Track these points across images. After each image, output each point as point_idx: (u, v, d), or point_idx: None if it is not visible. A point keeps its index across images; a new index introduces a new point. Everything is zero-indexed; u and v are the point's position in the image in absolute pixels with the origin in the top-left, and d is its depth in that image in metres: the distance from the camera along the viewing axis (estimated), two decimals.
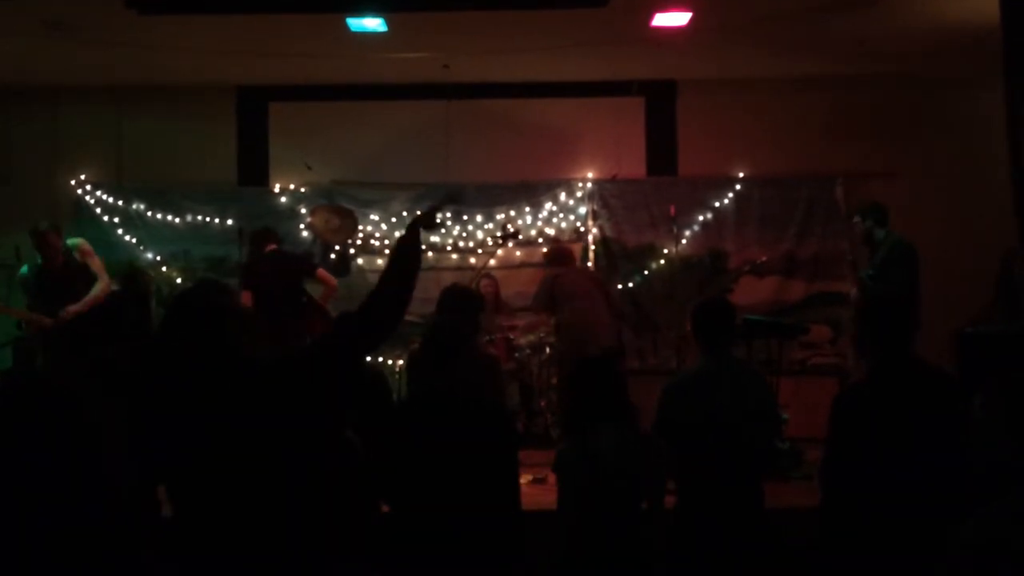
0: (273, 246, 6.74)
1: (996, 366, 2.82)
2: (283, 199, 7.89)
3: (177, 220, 7.86)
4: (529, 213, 7.85)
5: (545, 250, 7.47)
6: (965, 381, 3.42)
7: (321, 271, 6.82)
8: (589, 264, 7.67)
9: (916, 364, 3.14)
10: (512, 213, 7.83)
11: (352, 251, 7.85)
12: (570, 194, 7.87)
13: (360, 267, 7.88)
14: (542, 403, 6.70)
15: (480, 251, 7.75)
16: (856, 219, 6.12)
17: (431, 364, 3.33)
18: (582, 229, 7.84)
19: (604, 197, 7.86)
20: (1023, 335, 4.38)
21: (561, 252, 7.11)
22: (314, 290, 6.69)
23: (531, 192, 7.87)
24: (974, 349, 4.29)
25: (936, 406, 2.98)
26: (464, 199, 7.58)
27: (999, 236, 5.64)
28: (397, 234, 7.79)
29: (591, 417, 3.41)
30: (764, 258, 7.48)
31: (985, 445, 1.83)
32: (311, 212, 7.56)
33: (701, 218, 7.81)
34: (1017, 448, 1.77)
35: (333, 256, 7.82)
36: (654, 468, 3.38)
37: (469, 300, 4.61)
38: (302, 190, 7.90)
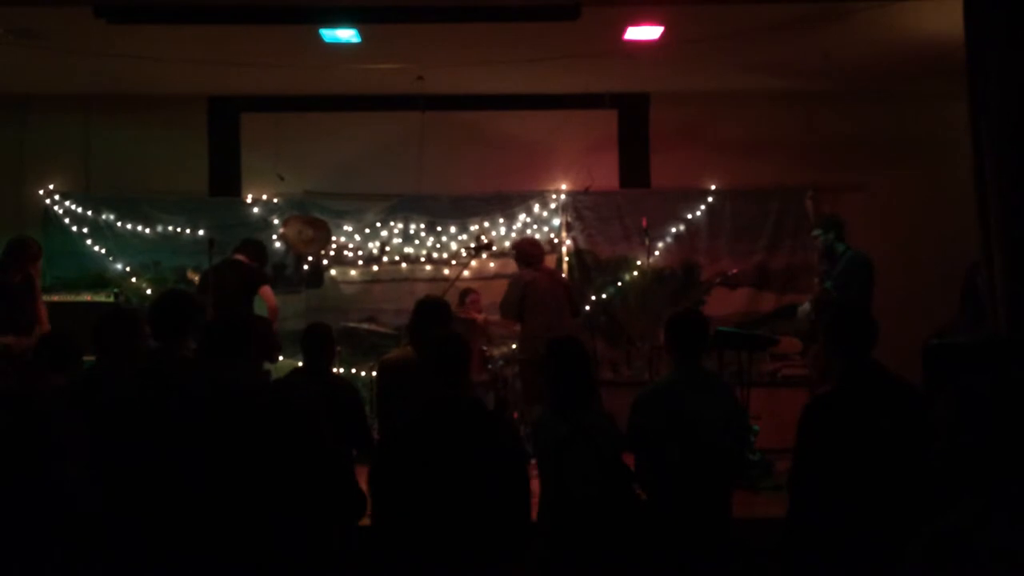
0: (239, 257, 6.67)
1: (960, 376, 2.85)
2: (255, 209, 7.85)
3: (147, 230, 7.79)
4: (503, 224, 7.86)
5: (513, 243, 7.08)
6: (930, 391, 3.46)
7: (266, 289, 6.62)
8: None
9: (881, 374, 3.18)
10: (486, 224, 7.85)
11: (325, 262, 7.83)
12: (544, 206, 7.90)
13: (332, 278, 7.86)
14: (515, 415, 6.69)
15: (454, 262, 7.75)
16: (816, 233, 6.28)
17: (445, 376, 3.34)
18: (556, 240, 7.87)
19: (578, 209, 7.89)
20: (986, 346, 4.44)
21: (530, 249, 6.67)
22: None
23: (505, 203, 7.88)
24: (939, 360, 4.35)
25: (901, 416, 3.02)
26: None
27: (965, 248, 5.72)
28: (370, 245, 7.85)
29: (568, 394, 3.47)
30: (736, 270, 7.54)
31: (944, 453, 1.86)
32: (284, 223, 7.53)
33: (674, 230, 7.86)
34: (973, 456, 1.80)
35: (306, 267, 7.79)
36: (619, 442, 3.57)
37: (442, 311, 4.63)
38: (274, 201, 7.87)
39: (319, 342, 4.45)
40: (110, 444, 3.34)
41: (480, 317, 7.03)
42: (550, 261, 7.79)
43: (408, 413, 3.43)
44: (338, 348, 4.99)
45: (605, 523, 3.39)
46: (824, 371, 5.95)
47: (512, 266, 7.82)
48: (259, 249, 6.88)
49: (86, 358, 6.31)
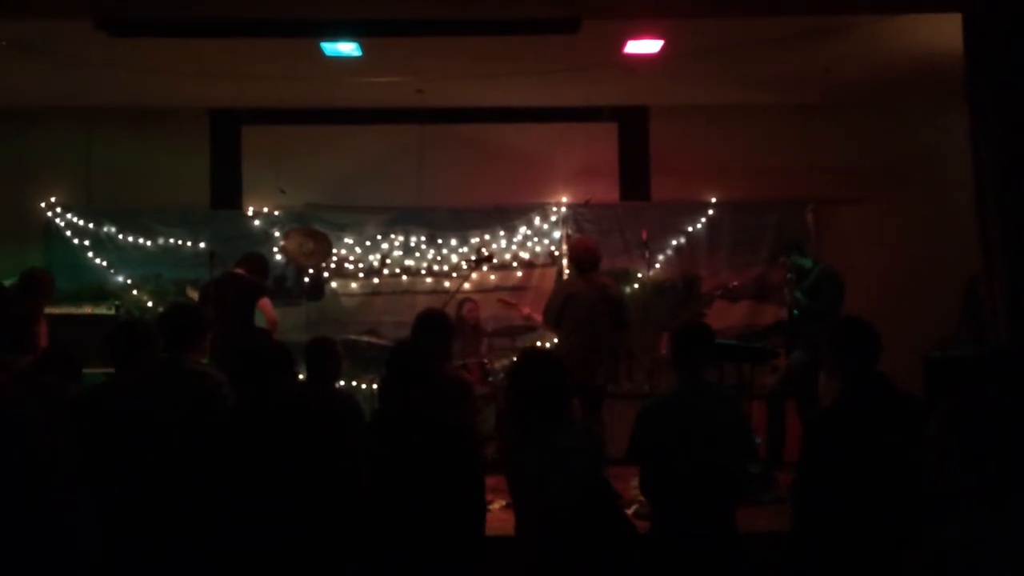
0: (239, 270, 6.69)
1: (962, 389, 2.86)
2: (256, 222, 7.85)
3: (148, 243, 7.78)
4: (503, 237, 7.87)
5: (570, 243, 6.77)
6: (931, 403, 3.46)
7: (264, 301, 6.62)
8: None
9: (884, 387, 3.18)
10: (486, 237, 7.85)
11: (326, 275, 7.83)
12: (544, 218, 7.91)
13: (333, 291, 7.86)
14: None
15: (454, 275, 7.75)
16: (782, 259, 6.44)
17: (395, 386, 3.39)
18: (556, 253, 7.87)
19: (578, 221, 7.90)
20: (987, 359, 4.45)
21: (584, 255, 6.30)
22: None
23: (505, 216, 7.89)
24: (941, 372, 4.36)
25: (904, 429, 3.02)
26: None
27: (966, 260, 5.74)
28: (371, 258, 7.86)
29: (542, 411, 3.43)
30: (736, 282, 7.55)
31: (939, 466, 1.86)
32: (284, 235, 7.53)
33: (674, 243, 7.87)
34: (966, 469, 1.80)
35: (307, 280, 7.79)
36: (603, 455, 3.54)
37: (441, 324, 4.62)
38: (275, 213, 7.87)
39: (322, 356, 4.44)
40: (136, 454, 3.36)
41: (527, 310, 7.01)
42: (549, 274, 7.82)
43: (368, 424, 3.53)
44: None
45: (581, 545, 3.34)
46: (787, 382, 6.05)
47: (512, 278, 7.87)
48: (260, 263, 6.88)
49: (91, 370, 6.29)
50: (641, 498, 5.04)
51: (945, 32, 5.57)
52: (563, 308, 6.10)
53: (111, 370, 3.94)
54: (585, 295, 6.10)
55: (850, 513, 3.01)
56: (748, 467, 4.62)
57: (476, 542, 3.34)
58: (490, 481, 5.94)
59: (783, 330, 6.57)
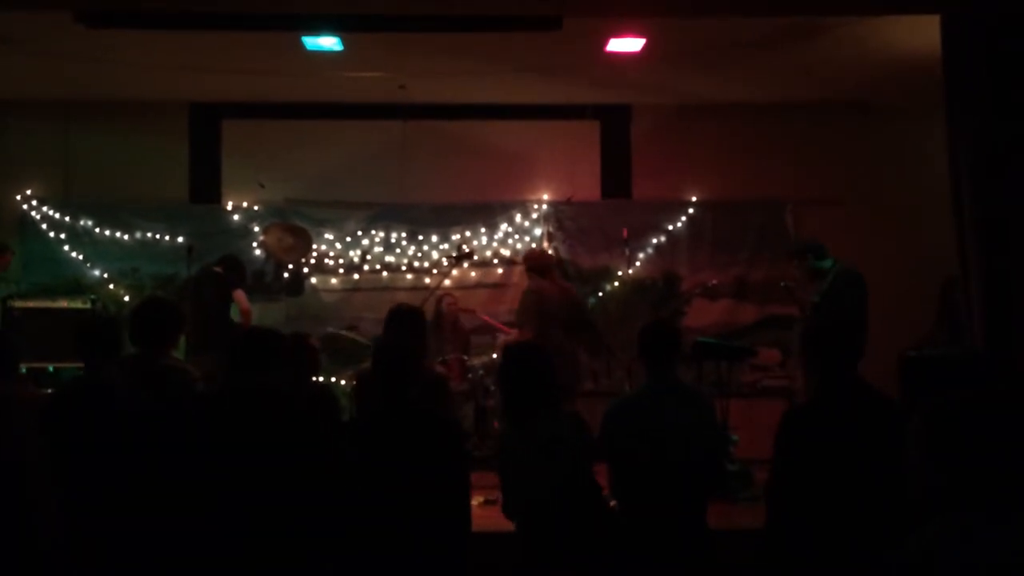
0: (217, 269, 6.71)
1: (937, 389, 2.88)
2: (236, 217, 7.81)
3: (126, 237, 7.72)
4: (485, 234, 7.87)
5: (527, 253, 6.97)
6: (907, 403, 3.49)
7: (238, 292, 6.70)
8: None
9: (859, 386, 3.20)
10: (468, 234, 7.85)
11: (305, 270, 7.80)
12: (526, 215, 7.91)
13: (313, 286, 7.82)
14: (495, 424, 6.67)
15: (435, 271, 7.74)
16: (795, 263, 6.33)
17: (382, 384, 3.35)
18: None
19: (559, 219, 7.91)
20: (962, 359, 4.49)
21: (543, 259, 6.67)
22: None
23: (487, 213, 7.89)
24: (916, 372, 4.39)
25: (878, 428, 3.04)
26: None
27: (942, 263, 5.79)
28: (351, 254, 7.83)
29: (529, 402, 3.44)
30: (715, 281, 7.58)
31: (917, 468, 1.87)
32: (264, 230, 7.50)
33: (655, 241, 7.89)
34: (941, 472, 1.82)
35: (286, 275, 7.75)
36: (590, 441, 3.51)
37: (415, 320, 4.59)
38: (255, 208, 7.83)
39: (299, 350, 4.41)
40: (117, 452, 3.34)
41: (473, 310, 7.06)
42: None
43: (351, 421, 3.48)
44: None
45: (570, 535, 3.35)
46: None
47: (493, 275, 7.86)
48: (236, 265, 6.91)
49: (66, 364, 6.21)
50: None
51: (925, 34, 5.60)
52: (538, 308, 6.21)
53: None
54: (552, 292, 6.29)
55: (824, 511, 3.03)
56: (725, 465, 4.65)
57: (462, 540, 3.33)
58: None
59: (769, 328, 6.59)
